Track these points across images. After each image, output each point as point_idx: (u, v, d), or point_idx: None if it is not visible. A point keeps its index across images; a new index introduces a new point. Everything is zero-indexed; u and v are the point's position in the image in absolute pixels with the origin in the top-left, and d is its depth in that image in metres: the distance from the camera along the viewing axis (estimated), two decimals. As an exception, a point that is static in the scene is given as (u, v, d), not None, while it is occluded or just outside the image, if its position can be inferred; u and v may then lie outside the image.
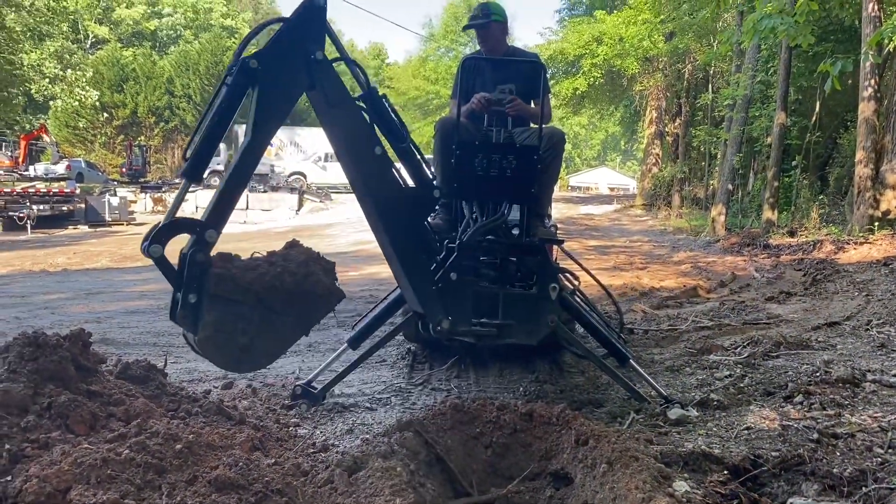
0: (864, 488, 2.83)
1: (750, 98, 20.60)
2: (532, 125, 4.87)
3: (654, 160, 36.12)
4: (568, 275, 4.98)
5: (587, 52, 29.85)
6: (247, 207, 30.01)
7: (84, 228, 27.85)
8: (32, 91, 35.78)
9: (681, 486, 2.77)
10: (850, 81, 14.58)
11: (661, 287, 10.36)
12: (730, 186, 21.71)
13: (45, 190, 27.85)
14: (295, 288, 3.05)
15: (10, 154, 35.52)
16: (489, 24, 5.05)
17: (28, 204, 26.56)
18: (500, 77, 4.84)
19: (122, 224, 29.29)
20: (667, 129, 34.80)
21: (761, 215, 18.96)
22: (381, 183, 3.45)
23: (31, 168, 33.73)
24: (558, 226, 5.48)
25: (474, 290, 3.84)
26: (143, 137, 50.27)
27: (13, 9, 31.50)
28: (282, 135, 39.31)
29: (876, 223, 13.27)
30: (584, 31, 30.71)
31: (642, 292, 9.73)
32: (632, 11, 29.04)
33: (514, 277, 4.19)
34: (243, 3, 70.86)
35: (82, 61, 40.55)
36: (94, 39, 57.33)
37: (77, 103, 39.65)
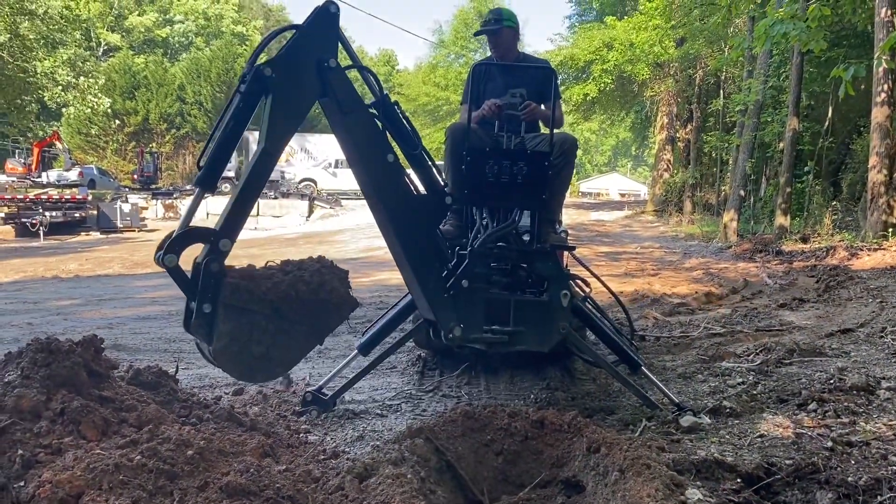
0: (879, 497, 2.80)
1: (762, 103, 20.51)
2: (544, 130, 4.86)
3: (665, 166, 35.99)
4: (579, 281, 4.96)
5: (598, 57, 29.84)
6: (257, 214, 30.12)
7: (96, 235, 28.07)
8: (45, 98, 36.03)
9: (693, 494, 2.75)
10: (862, 86, 14.50)
11: (673, 293, 10.31)
12: (742, 192, 21.59)
13: (57, 197, 28.16)
14: (309, 297, 3.06)
15: (23, 161, 35.84)
16: (501, 30, 5.05)
17: (41, 210, 26.83)
18: (510, 82, 4.83)
19: (134, 230, 29.50)
20: (678, 135, 34.69)
21: (773, 221, 18.85)
22: (394, 190, 3.45)
23: (43, 175, 34.07)
24: (569, 232, 5.46)
25: (485, 297, 3.83)
26: (154, 144, 50.60)
27: (27, 17, 31.79)
28: (292, 141, 39.37)
29: (890, 229, 13.19)
30: (595, 36, 30.70)
31: (653, 299, 9.69)
32: (642, 17, 29.03)
33: (525, 284, 4.18)
34: (254, 11, 71.30)
35: (94, 69, 40.81)
36: (106, 47, 57.84)
37: (89, 110, 39.86)
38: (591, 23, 36.59)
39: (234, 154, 3.84)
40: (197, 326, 2.85)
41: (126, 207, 30.53)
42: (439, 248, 3.66)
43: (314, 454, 3.47)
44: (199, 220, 2.99)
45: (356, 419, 4.33)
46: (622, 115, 41.79)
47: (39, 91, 35.24)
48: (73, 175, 35.20)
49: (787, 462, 3.15)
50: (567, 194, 5.28)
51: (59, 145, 37.42)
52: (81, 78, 34.50)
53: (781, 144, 19.62)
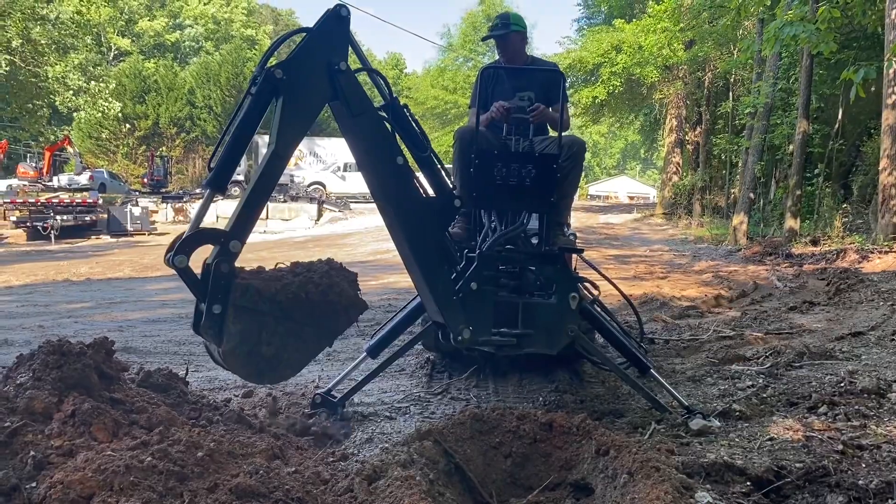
0: (889, 500, 2.78)
1: (771, 106, 20.43)
2: (552, 133, 4.86)
3: (674, 169, 35.88)
4: (588, 284, 4.96)
5: (606, 60, 29.82)
6: (266, 217, 30.21)
7: (106, 238, 28.22)
8: (57, 103, 36.35)
9: (703, 497, 2.74)
10: (873, 89, 14.40)
11: (682, 296, 10.27)
12: (751, 195, 21.50)
13: (68, 200, 28.30)
14: (319, 298, 3.06)
15: (34, 165, 36.06)
16: (509, 34, 5.06)
17: (52, 214, 27.03)
18: (519, 86, 4.84)
19: (144, 234, 29.64)
20: (687, 138, 34.58)
21: (783, 224, 18.76)
22: (403, 192, 3.45)
23: (54, 179, 34.24)
24: (578, 235, 5.46)
25: (494, 299, 3.83)
26: (164, 148, 50.89)
27: (39, 22, 32.07)
28: (301, 145, 39.50)
29: (901, 232, 13.09)
30: (603, 39, 30.67)
31: (663, 302, 9.66)
32: (651, 20, 28.94)
33: (533, 287, 4.18)
34: (263, 15, 71.60)
35: (105, 73, 41.18)
36: (116, 51, 58.26)
37: (100, 115, 40.21)
38: (600, 25, 36.59)
39: (244, 157, 3.86)
40: (207, 327, 2.85)
41: (136, 211, 30.68)
42: (448, 250, 3.66)
43: (323, 456, 3.48)
44: (208, 223, 3.00)
45: (365, 421, 4.33)
46: (631, 118, 41.76)
47: (51, 95, 35.58)
48: (83, 179, 35.44)
49: (798, 465, 3.13)
50: (576, 197, 5.28)
51: (70, 149, 37.63)
52: (92, 82, 34.79)
53: (791, 147, 19.53)
